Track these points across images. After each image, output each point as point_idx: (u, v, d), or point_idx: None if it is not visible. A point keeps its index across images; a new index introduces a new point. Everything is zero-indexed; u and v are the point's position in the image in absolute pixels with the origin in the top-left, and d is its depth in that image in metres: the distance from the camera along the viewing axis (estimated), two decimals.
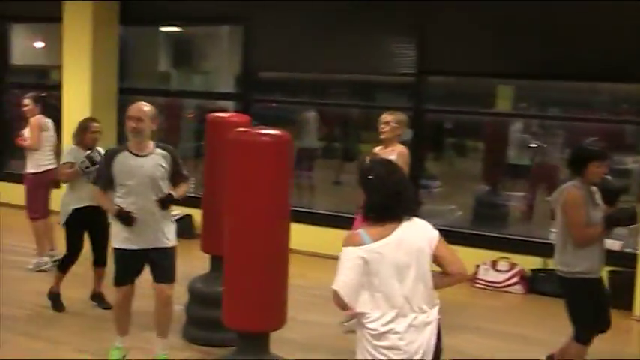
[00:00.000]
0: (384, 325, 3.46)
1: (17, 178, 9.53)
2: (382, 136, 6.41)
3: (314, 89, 10.62)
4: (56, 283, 6.95)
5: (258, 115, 9.77)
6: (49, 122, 8.27)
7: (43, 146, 8.12)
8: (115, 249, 5.39)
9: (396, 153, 6.12)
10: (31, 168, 8.12)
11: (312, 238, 8.92)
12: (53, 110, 8.77)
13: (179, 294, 6.37)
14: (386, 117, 6.42)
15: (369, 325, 3.49)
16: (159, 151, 5.37)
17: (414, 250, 3.50)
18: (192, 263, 6.88)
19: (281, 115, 10.82)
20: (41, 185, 8.11)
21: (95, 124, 6.78)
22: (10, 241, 9.11)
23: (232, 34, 10.65)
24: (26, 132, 8.19)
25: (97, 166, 6.16)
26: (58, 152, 8.02)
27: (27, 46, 12.87)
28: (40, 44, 12.60)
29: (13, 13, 11.85)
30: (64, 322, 6.66)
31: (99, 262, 6.90)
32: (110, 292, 6.20)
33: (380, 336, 3.47)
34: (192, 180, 5.55)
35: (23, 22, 12.36)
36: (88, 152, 6.59)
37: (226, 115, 6.32)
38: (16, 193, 9.49)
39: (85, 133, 6.70)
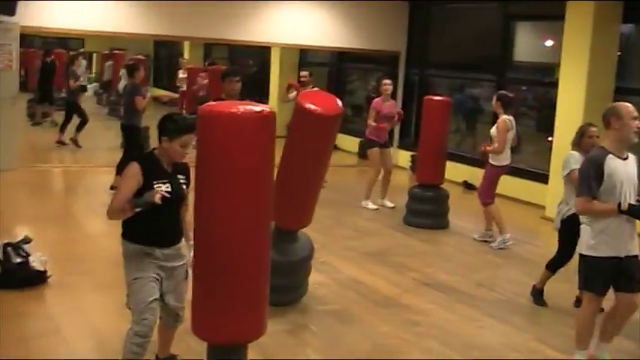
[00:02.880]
0: None
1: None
2: None
3: None
4: (542, 280, 7.04)
5: None
6: (512, 120, 8.84)
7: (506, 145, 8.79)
8: (592, 257, 5.19)
9: None
10: (493, 160, 8.89)
11: None
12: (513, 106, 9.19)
13: None
14: None
15: None
16: (631, 155, 5.25)
17: None
18: None
19: None
20: (497, 177, 8.99)
21: (593, 129, 6.71)
22: (460, 223, 9.93)
23: None
24: (493, 131, 8.91)
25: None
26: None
27: (530, 44, 13.38)
28: (545, 42, 12.94)
29: (518, 12, 12.43)
30: (531, 312, 6.90)
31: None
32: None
33: None
34: None
35: (527, 21, 12.89)
36: None
37: None
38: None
39: (581, 138, 6.70)
